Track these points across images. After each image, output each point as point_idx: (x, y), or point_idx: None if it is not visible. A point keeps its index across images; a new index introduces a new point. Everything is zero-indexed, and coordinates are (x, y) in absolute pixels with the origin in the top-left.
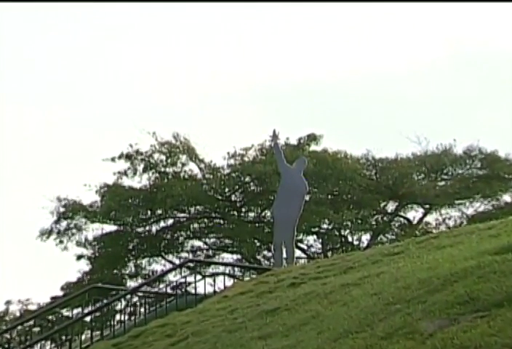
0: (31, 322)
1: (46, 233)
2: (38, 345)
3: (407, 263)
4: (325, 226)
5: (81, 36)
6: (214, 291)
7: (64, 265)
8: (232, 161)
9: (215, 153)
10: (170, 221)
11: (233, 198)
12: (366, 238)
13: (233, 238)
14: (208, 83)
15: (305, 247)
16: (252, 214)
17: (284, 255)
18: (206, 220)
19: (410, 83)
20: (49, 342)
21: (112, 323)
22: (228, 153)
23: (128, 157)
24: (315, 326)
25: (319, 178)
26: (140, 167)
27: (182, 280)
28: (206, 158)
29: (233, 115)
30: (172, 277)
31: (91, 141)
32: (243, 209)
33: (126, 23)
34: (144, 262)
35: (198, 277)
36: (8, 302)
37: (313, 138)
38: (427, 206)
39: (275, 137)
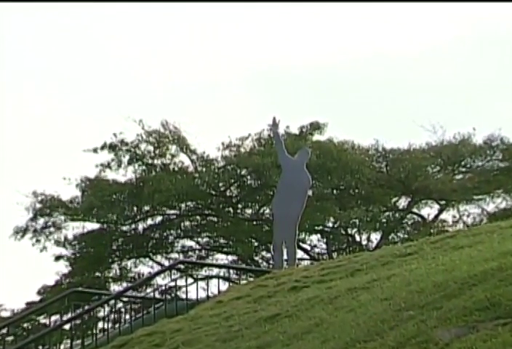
0: (4, 330)
1: (21, 232)
2: None
3: (421, 265)
4: (330, 224)
5: (67, 18)
6: (208, 296)
7: (41, 267)
8: (227, 152)
9: (208, 144)
10: (158, 218)
11: (228, 193)
12: (375, 237)
13: (228, 237)
14: (200, 67)
15: (308, 247)
16: (249, 211)
17: (285, 256)
18: (198, 218)
19: (424, 66)
20: None
21: (94, 331)
22: (223, 144)
23: (112, 147)
24: (319, 334)
25: (323, 171)
26: (125, 159)
27: (172, 283)
28: (199, 149)
29: (228, 102)
30: (160, 280)
31: (70, 130)
32: (239, 206)
33: (114, 6)
34: (129, 263)
35: (190, 280)
36: None
37: (316, 127)
38: (443, 202)
39: (275, 125)
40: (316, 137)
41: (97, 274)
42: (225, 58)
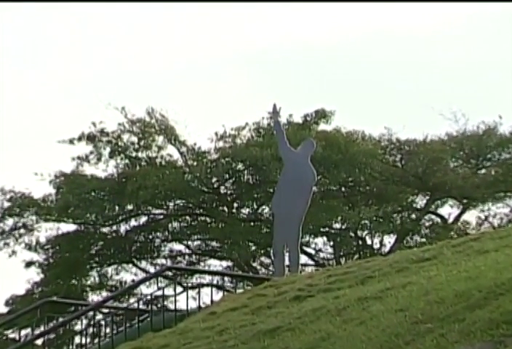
0: None
1: None
2: None
3: (441, 272)
4: (337, 226)
5: None
6: (199, 307)
7: (9, 275)
8: (221, 144)
9: (200, 134)
10: (143, 219)
11: (222, 190)
12: (389, 240)
13: (222, 240)
14: (191, 48)
15: (313, 252)
16: (246, 211)
17: (287, 262)
18: (188, 218)
19: (444, 46)
20: None
21: (70, 347)
22: (216, 134)
23: (90, 138)
24: None
25: (330, 165)
26: (106, 151)
27: (159, 293)
28: (189, 140)
29: (223, 87)
30: (145, 289)
31: (43, 118)
32: (235, 204)
33: None
34: (110, 270)
35: (179, 289)
36: None
37: (322, 115)
38: (465, 200)
39: (275, 113)
40: (322, 126)
41: (74, 282)
42: (219, 38)
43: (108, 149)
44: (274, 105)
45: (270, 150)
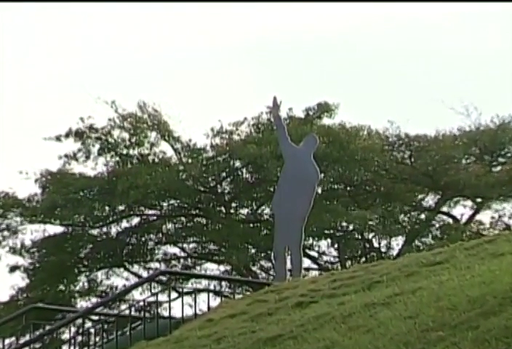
0: None
1: None
2: None
3: (453, 276)
4: (342, 227)
5: None
6: (195, 314)
7: None
8: (217, 140)
9: (195, 130)
10: (135, 220)
11: (219, 189)
12: (397, 242)
13: (219, 242)
14: (185, 38)
15: (316, 255)
16: (244, 211)
17: (288, 265)
18: (183, 219)
19: (454, 35)
20: None
21: None
22: (213, 130)
23: (78, 135)
24: None
25: (334, 162)
26: (95, 148)
27: (152, 299)
28: (183, 136)
29: (219, 80)
30: (138, 295)
31: (28, 114)
32: (233, 205)
33: None
34: (100, 274)
35: (174, 294)
36: None
37: (325, 109)
38: (479, 199)
39: (275, 107)
40: (325, 121)
41: (61, 287)
42: (216, 28)
43: (97, 146)
44: (274, 98)
45: (270, 146)
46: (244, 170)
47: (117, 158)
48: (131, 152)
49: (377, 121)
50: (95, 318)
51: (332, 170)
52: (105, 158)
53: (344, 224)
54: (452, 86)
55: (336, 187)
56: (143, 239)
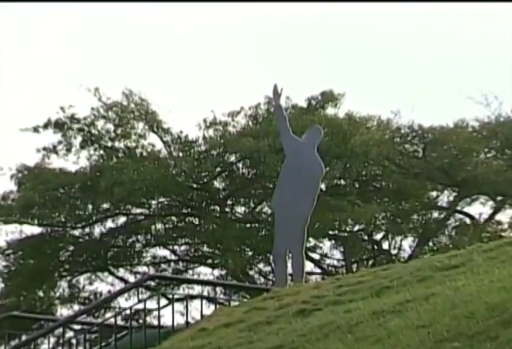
0: None
1: None
2: None
3: (470, 281)
4: (348, 227)
5: None
6: (187, 323)
7: None
8: (211, 132)
9: (187, 121)
10: (121, 220)
11: (213, 186)
12: (409, 244)
13: (214, 244)
14: (175, 21)
15: (320, 258)
16: (241, 210)
17: (289, 270)
18: (174, 218)
19: (470, 18)
20: None
21: None
22: (205, 121)
23: (58, 126)
24: None
25: (340, 156)
26: (77, 141)
27: (140, 306)
28: (174, 128)
29: (213, 66)
30: (123, 302)
31: (3, 103)
32: (228, 202)
33: None
34: (82, 279)
35: (163, 301)
36: None
37: (329, 98)
38: (499, 197)
39: (276, 95)
40: (330, 111)
41: (39, 294)
42: (209, 10)
43: (79, 138)
44: (275, 86)
45: (269, 139)
46: (241, 165)
47: (101, 152)
48: (116, 145)
49: (388, 112)
50: (77, 327)
51: (338, 164)
52: (87, 152)
53: (350, 223)
54: (469, 73)
55: (342, 183)
56: (130, 241)
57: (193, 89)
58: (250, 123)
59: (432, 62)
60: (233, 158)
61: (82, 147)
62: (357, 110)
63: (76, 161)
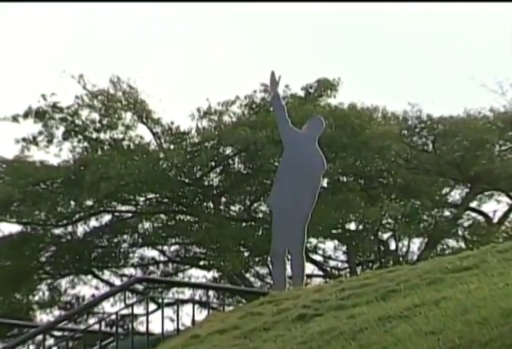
0: None
1: None
2: None
3: (483, 284)
4: (353, 226)
5: None
6: (177, 329)
7: None
8: (205, 123)
9: (178, 110)
10: (107, 218)
11: (206, 181)
12: (417, 244)
13: (207, 244)
14: (167, 4)
15: (322, 259)
16: (236, 208)
17: (288, 272)
18: (163, 216)
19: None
20: None
21: None
22: (199, 111)
23: (39, 115)
24: None
25: (342, 150)
26: (59, 132)
27: (126, 311)
28: (165, 118)
29: (206, 53)
30: (109, 307)
31: None
32: (222, 199)
33: None
34: (64, 282)
35: (152, 306)
36: None
37: (327, 86)
38: None
39: (274, 83)
40: (331, 101)
41: (18, 297)
42: None
43: (62, 129)
44: (272, 74)
45: (267, 130)
46: (236, 158)
47: (85, 144)
48: (102, 136)
49: (394, 102)
50: (58, 334)
51: (341, 159)
52: (70, 143)
53: (355, 222)
54: (483, 60)
55: (345, 179)
56: (116, 240)
57: (186, 77)
58: (246, 113)
59: (440, 49)
60: (228, 151)
61: (65, 138)
62: (361, 100)
63: (57, 153)
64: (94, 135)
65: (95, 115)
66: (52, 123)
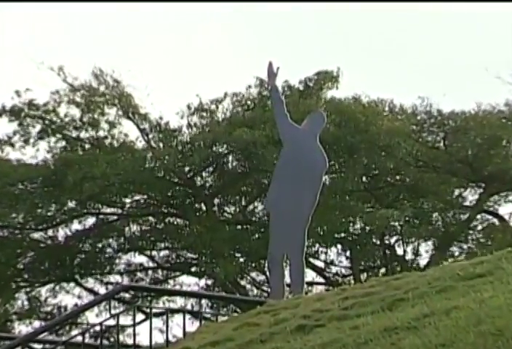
0: None
1: None
2: None
3: (498, 292)
4: (356, 230)
5: None
6: (167, 341)
7: None
8: (196, 120)
9: (168, 106)
10: (90, 220)
11: (198, 181)
12: (427, 249)
13: (199, 249)
14: None
15: (323, 265)
16: (231, 210)
17: (287, 279)
18: (152, 219)
19: None
20: None
21: None
22: (189, 107)
23: (15, 113)
24: None
25: (346, 147)
26: (35, 130)
27: (112, 322)
28: (153, 114)
29: (198, 45)
30: (93, 317)
31: None
32: (215, 200)
33: None
34: (44, 291)
35: (140, 316)
36: None
37: (328, 78)
38: None
39: (272, 76)
40: (332, 93)
41: None
42: None
43: (39, 127)
44: (270, 65)
45: (264, 127)
46: (231, 157)
47: (63, 143)
48: (82, 135)
49: (403, 94)
50: (38, 346)
51: (344, 157)
52: (49, 143)
53: (359, 225)
54: (497, 50)
55: (347, 177)
56: (100, 245)
57: (176, 69)
58: (240, 109)
59: (451, 38)
60: (222, 149)
61: (41, 138)
62: (363, 92)
63: (35, 153)
64: (74, 134)
65: (75, 112)
66: (28, 121)
